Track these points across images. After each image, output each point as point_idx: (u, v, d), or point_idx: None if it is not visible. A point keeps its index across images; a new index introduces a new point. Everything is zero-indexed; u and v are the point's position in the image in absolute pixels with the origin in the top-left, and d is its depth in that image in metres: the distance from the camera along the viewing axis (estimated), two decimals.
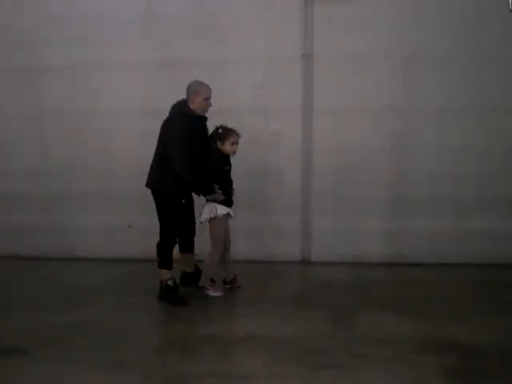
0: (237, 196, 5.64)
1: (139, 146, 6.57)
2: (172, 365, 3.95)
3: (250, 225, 6.77)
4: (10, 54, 7.12)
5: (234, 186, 5.60)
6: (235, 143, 5.44)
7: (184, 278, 5.70)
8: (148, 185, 5.43)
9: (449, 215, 6.59)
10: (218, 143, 5.41)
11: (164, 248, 5.39)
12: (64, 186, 7.12)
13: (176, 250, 5.56)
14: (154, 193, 5.40)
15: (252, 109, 6.71)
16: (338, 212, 6.75)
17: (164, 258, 5.38)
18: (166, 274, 5.39)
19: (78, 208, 7.15)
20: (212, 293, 5.49)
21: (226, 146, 5.41)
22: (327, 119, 6.67)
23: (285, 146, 6.77)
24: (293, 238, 6.85)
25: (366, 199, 6.68)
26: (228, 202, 5.49)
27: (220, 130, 5.42)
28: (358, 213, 6.71)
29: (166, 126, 5.34)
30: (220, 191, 5.40)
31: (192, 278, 5.69)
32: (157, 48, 6.81)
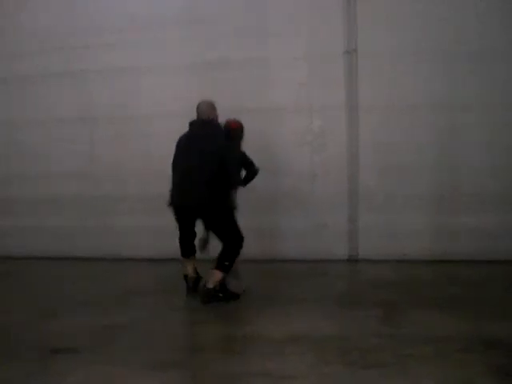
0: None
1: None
2: (219, 364, 3.94)
3: (296, 224, 6.78)
4: (58, 58, 7.31)
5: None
6: None
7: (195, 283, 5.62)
8: (195, 203, 5.24)
9: (496, 212, 6.46)
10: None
11: (235, 255, 5.33)
12: (111, 187, 7.25)
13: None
14: (205, 210, 5.27)
15: (296, 108, 6.71)
16: (384, 210, 6.70)
17: (232, 265, 5.33)
18: (221, 276, 5.31)
19: (125, 209, 7.27)
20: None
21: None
22: (372, 116, 6.62)
23: (330, 145, 6.75)
24: (339, 237, 6.82)
25: (412, 196, 6.60)
26: None
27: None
28: (404, 210, 6.64)
29: (214, 143, 5.23)
30: None
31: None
32: (198, 50, 6.89)
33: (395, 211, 6.66)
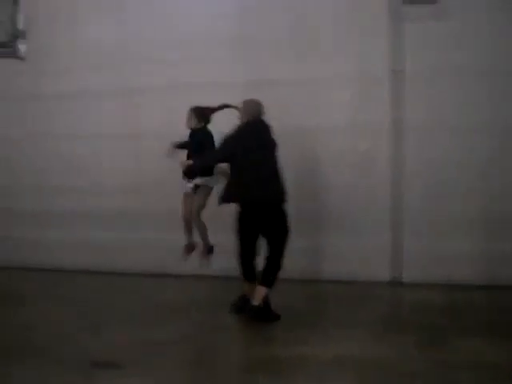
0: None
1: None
2: None
3: (339, 244, 6.73)
4: (108, 75, 7.48)
5: None
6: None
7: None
8: (274, 200, 5.36)
9: None
10: None
11: (280, 268, 5.33)
12: (158, 203, 7.33)
13: None
14: (278, 206, 5.37)
15: (342, 128, 6.70)
16: (430, 232, 6.60)
17: (275, 280, 5.31)
18: (266, 292, 5.28)
19: (169, 224, 7.33)
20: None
21: None
22: (419, 137, 6.56)
23: (375, 165, 6.70)
24: (383, 259, 6.74)
25: (458, 219, 6.50)
26: None
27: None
28: (451, 233, 6.52)
29: (273, 141, 5.47)
30: None
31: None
32: (249, 69, 6.96)
33: (441, 234, 6.55)
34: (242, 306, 5.50)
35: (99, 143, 7.55)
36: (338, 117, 6.72)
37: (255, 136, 5.45)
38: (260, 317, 5.20)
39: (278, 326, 5.23)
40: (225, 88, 6.98)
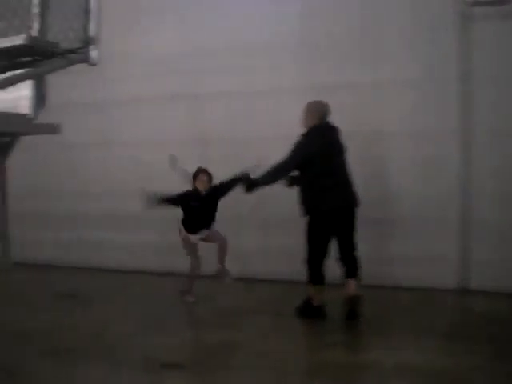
0: None
1: None
2: None
3: (403, 250, 6.62)
4: (173, 81, 7.58)
5: None
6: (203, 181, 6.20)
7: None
8: (353, 203, 5.43)
9: None
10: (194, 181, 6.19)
11: None
12: (224, 207, 7.38)
13: None
14: (354, 209, 5.44)
15: (407, 133, 6.60)
16: (500, 239, 6.39)
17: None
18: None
19: (235, 229, 7.40)
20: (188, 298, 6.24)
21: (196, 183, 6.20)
22: (487, 142, 6.38)
23: (442, 171, 6.57)
24: (450, 266, 6.57)
25: None
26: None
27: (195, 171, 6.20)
28: None
29: (340, 138, 5.47)
30: None
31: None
32: (312, 74, 6.93)
33: (510, 241, 6.34)
34: (306, 311, 5.52)
35: (166, 149, 7.65)
36: (403, 121, 6.62)
37: (328, 140, 5.42)
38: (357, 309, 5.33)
39: (340, 332, 5.22)
40: (288, 93, 7.01)
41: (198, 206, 6.23)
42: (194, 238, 6.33)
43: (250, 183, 5.48)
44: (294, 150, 5.39)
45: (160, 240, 7.70)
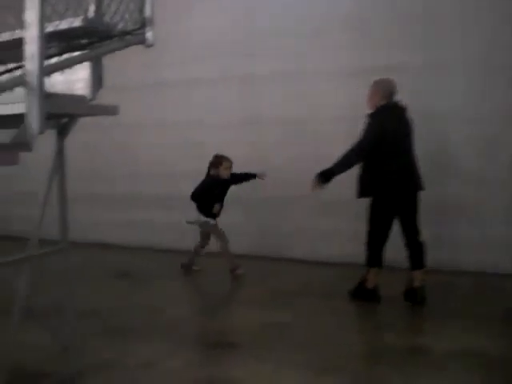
0: None
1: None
2: (378, 374, 3.89)
3: (463, 234, 6.49)
4: (226, 63, 7.59)
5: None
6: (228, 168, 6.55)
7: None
8: (419, 187, 5.34)
9: None
10: (214, 168, 6.55)
11: None
12: (280, 189, 7.38)
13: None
14: (419, 193, 5.36)
15: (466, 114, 6.43)
16: None
17: None
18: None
19: (292, 210, 7.39)
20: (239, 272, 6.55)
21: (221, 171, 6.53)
22: None
23: (502, 152, 6.38)
24: (508, 250, 6.39)
25: None
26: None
27: (213, 158, 6.57)
28: None
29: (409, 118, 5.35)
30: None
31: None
32: (365, 55, 6.82)
33: None
34: (359, 293, 5.49)
35: (218, 130, 7.68)
36: (464, 102, 6.43)
37: (398, 120, 5.29)
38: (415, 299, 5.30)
39: (394, 315, 5.16)
40: (345, 75, 6.90)
41: (220, 193, 6.59)
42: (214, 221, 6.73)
43: (325, 175, 5.28)
44: (367, 130, 5.26)
45: (242, 222, 7.73)
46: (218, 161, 6.56)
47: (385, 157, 5.19)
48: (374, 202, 5.33)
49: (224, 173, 6.56)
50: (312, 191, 5.32)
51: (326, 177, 5.25)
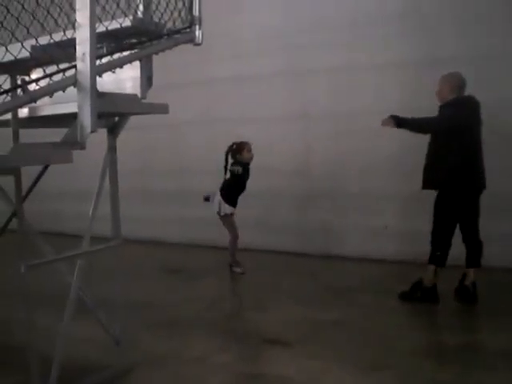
0: None
1: (401, 146, 6.52)
2: (428, 371, 3.84)
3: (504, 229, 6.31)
4: (275, 58, 7.58)
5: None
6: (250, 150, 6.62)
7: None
8: (484, 185, 5.27)
9: None
10: (238, 156, 6.61)
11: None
12: (326, 184, 7.37)
13: None
14: (482, 191, 5.28)
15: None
16: None
17: None
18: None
19: (338, 207, 7.34)
20: (238, 269, 6.66)
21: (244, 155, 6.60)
22: None
23: None
24: None
25: None
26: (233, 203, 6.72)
27: (234, 146, 6.64)
28: None
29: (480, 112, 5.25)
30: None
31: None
32: (410, 47, 6.70)
33: None
34: (417, 292, 5.39)
35: (268, 125, 7.68)
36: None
37: (472, 114, 5.20)
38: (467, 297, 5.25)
39: (448, 312, 5.10)
40: (395, 68, 6.81)
41: (244, 179, 6.65)
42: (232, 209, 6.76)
43: (398, 121, 5.19)
44: (444, 116, 5.20)
45: (262, 215, 7.77)
46: (241, 146, 6.62)
47: (453, 149, 5.10)
48: (438, 196, 5.26)
49: (247, 156, 6.63)
50: (382, 125, 5.24)
51: (398, 122, 5.20)
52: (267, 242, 7.67)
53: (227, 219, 6.76)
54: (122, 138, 3.94)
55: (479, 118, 5.23)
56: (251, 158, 6.66)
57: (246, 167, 6.65)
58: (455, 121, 5.08)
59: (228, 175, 6.68)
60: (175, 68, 7.31)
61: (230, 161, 6.68)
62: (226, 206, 6.68)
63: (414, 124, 5.21)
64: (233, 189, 6.69)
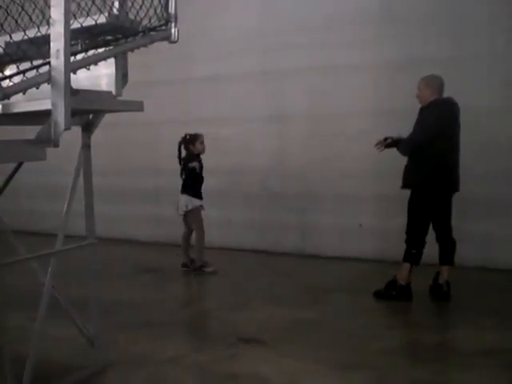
0: None
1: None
2: (404, 370, 3.86)
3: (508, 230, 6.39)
4: (253, 58, 7.57)
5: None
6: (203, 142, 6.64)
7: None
8: (457, 187, 5.36)
9: None
10: (191, 146, 6.59)
11: None
12: (301, 185, 7.39)
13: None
14: (455, 193, 5.38)
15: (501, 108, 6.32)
16: None
17: None
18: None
19: (313, 207, 7.36)
20: (209, 269, 6.57)
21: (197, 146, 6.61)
22: None
23: None
24: None
25: None
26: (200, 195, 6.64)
27: (188, 136, 6.63)
28: None
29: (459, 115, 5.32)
30: None
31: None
32: (393, 48, 6.73)
33: None
34: (391, 290, 5.43)
35: (244, 125, 7.67)
36: (496, 96, 6.31)
37: (451, 116, 5.27)
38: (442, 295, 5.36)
39: (423, 311, 5.16)
40: (368, 68, 6.84)
41: (201, 171, 6.67)
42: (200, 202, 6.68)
43: (390, 144, 5.37)
44: (423, 124, 5.24)
45: (237, 214, 7.78)
46: (194, 137, 6.65)
47: (431, 152, 5.16)
48: (412, 195, 5.32)
49: (200, 147, 6.67)
50: (375, 146, 5.39)
51: (390, 145, 5.37)
52: (241, 240, 7.70)
53: (196, 214, 6.65)
54: (97, 135, 3.90)
55: (458, 122, 5.29)
56: (203, 150, 6.69)
57: (199, 159, 6.69)
58: (434, 128, 5.15)
59: (184, 175, 6.70)
60: (152, 66, 7.28)
61: (183, 152, 6.71)
62: (194, 199, 6.62)
63: (401, 149, 5.32)
64: (195, 182, 6.66)
